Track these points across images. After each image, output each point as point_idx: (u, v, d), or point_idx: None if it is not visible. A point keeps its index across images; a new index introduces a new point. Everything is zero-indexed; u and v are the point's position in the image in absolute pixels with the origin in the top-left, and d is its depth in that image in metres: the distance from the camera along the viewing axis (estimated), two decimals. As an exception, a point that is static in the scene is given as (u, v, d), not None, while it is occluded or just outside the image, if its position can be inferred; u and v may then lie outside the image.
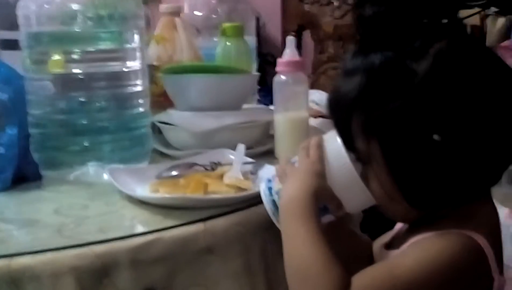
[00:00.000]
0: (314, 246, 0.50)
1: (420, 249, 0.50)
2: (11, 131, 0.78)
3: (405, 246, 0.54)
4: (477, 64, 0.50)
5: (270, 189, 0.60)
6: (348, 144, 0.54)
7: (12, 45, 0.97)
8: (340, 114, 0.53)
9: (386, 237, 0.64)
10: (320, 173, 0.55)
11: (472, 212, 0.52)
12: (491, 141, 0.50)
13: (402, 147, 0.49)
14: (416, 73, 0.48)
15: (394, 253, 0.56)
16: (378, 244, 0.64)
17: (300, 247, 0.51)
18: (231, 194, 0.71)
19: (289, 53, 0.88)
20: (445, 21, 0.51)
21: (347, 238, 0.65)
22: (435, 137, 0.48)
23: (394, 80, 0.49)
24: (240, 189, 0.72)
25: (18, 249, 0.56)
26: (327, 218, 0.58)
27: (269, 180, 0.61)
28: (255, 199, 0.69)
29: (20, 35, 0.82)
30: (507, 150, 0.52)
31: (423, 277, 0.47)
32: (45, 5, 0.78)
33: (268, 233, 0.69)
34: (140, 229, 0.62)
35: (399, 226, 0.63)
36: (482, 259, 0.49)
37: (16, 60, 0.84)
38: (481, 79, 0.50)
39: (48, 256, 0.55)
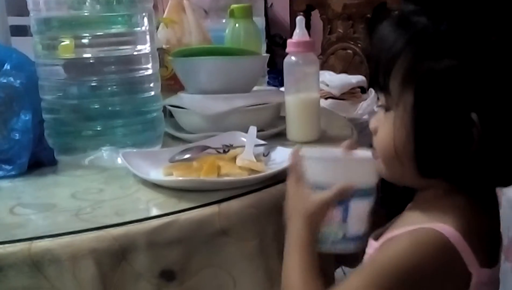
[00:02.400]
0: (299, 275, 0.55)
1: (387, 250, 0.50)
2: (25, 116, 0.78)
3: (379, 242, 0.54)
4: None
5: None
6: (381, 81, 0.51)
7: (23, 31, 0.97)
8: (386, 50, 0.50)
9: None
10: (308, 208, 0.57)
11: (450, 205, 0.51)
12: None
13: (437, 108, 0.47)
14: (487, 43, 0.46)
15: (373, 245, 0.56)
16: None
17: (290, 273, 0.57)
18: (244, 176, 0.71)
19: (299, 33, 0.87)
20: None
21: None
22: (473, 116, 0.46)
23: (460, 38, 0.46)
24: (253, 171, 0.73)
25: (37, 233, 0.56)
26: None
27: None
28: (269, 181, 0.69)
29: (30, 21, 0.82)
30: None
31: (391, 279, 0.47)
32: (54, -10, 0.78)
33: (282, 215, 0.69)
34: (155, 212, 0.62)
35: None
36: (452, 256, 0.48)
37: (27, 46, 0.84)
38: None
39: (67, 239, 0.56)
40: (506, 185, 0.51)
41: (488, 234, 0.51)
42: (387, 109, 0.52)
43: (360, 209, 0.58)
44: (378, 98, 0.55)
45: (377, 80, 0.52)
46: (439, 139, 0.48)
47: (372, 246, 0.56)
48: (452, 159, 0.48)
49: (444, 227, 0.48)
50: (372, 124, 0.55)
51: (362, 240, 0.58)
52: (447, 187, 0.51)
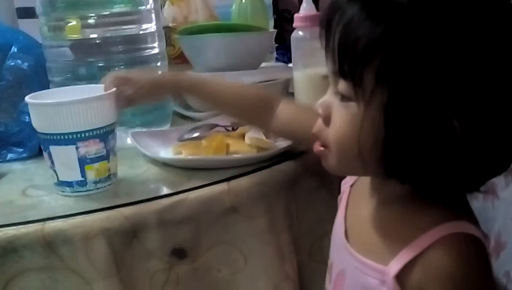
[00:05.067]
0: None
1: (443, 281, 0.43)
2: (34, 99, 0.79)
3: (392, 268, 0.45)
4: None
5: None
6: (349, 69, 0.43)
7: (29, 13, 0.97)
8: (356, 37, 0.42)
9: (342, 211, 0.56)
10: None
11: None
12: (503, 142, 0.43)
13: (414, 112, 0.41)
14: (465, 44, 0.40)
15: (373, 266, 0.47)
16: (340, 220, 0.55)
17: None
18: (253, 153, 0.71)
19: (306, 7, 0.86)
20: None
21: None
22: (455, 123, 0.40)
23: (442, 39, 0.40)
24: (261, 148, 0.73)
25: (50, 214, 0.57)
26: None
27: None
28: (277, 158, 0.69)
29: (36, 2, 0.82)
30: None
31: None
32: (58, -30, 0.78)
33: (292, 191, 0.70)
34: (165, 190, 0.63)
35: (344, 188, 0.57)
36: (484, 249, 0.45)
37: (34, 29, 0.84)
38: None
39: (79, 219, 0.56)
40: (472, 190, 0.47)
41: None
42: (347, 98, 0.44)
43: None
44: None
45: (343, 66, 0.43)
46: (411, 144, 0.42)
47: (375, 269, 0.47)
48: (423, 164, 0.43)
49: (464, 225, 0.44)
50: (324, 110, 0.47)
51: None
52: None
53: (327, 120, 0.47)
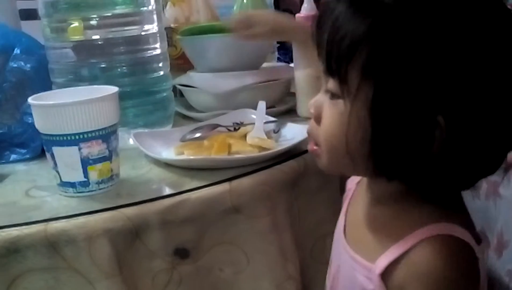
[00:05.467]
0: None
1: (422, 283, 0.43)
2: (37, 100, 0.79)
3: (378, 266, 0.45)
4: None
5: None
6: (336, 67, 0.44)
7: (32, 15, 0.98)
8: (342, 35, 0.42)
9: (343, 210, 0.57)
10: None
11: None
12: (494, 136, 0.43)
13: (399, 107, 0.41)
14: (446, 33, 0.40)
15: (362, 262, 0.48)
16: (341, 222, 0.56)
17: None
18: (255, 153, 0.71)
19: (307, 8, 0.87)
20: None
21: None
22: (440, 119, 0.40)
23: (427, 31, 0.40)
24: (263, 148, 0.73)
25: (53, 215, 0.58)
26: None
27: None
28: (279, 158, 0.70)
29: (38, 4, 0.82)
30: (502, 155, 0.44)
31: None
32: (60, -28, 0.78)
33: (294, 191, 0.70)
34: (168, 191, 0.63)
35: (351, 185, 0.57)
36: (471, 254, 0.44)
37: (37, 30, 0.85)
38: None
39: (82, 220, 0.57)
40: (463, 188, 0.47)
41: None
42: (335, 96, 0.45)
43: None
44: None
45: (330, 64, 0.44)
46: (399, 140, 0.42)
47: (364, 266, 0.48)
48: (411, 161, 0.43)
49: (450, 227, 0.44)
50: (315, 110, 0.47)
51: None
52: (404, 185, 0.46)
53: (318, 119, 0.48)
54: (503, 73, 0.42)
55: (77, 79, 0.82)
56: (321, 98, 0.47)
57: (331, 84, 0.45)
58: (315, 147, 0.49)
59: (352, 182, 0.57)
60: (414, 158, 0.42)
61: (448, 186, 0.45)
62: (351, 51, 0.42)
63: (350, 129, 0.44)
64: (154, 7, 0.84)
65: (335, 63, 0.43)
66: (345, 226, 0.54)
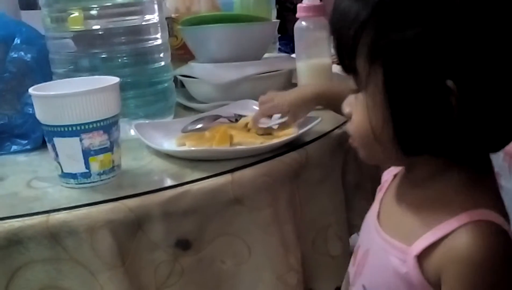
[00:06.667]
0: None
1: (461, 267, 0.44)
2: (37, 91, 0.79)
3: (413, 249, 0.46)
4: None
5: None
6: (347, 61, 0.47)
7: (32, 4, 0.97)
8: (347, 26, 0.45)
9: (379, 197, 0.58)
10: None
11: (479, 184, 0.47)
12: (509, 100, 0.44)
13: (410, 82, 0.43)
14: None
15: (396, 245, 0.49)
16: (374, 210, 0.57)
17: None
18: (257, 144, 0.71)
19: (310, -2, 0.86)
20: None
21: None
22: (449, 83, 0.41)
23: (423, 3, 0.42)
24: (266, 139, 0.73)
25: (54, 206, 0.58)
26: None
27: None
28: (281, 149, 0.69)
29: (38, -6, 0.81)
30: None
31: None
32: (61, -39, 0.78)
33: (295, 182, 0.70)
34: (169, 182, 0.63)
35: (387, 177, 0.58)
36: (509, 240, 0.45)
37: (37, 20, 0.84)
38: None
39: (84, 211, 0.57)
40: (495, 150, 0.48)
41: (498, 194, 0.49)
42: (358, 91, 0.48)
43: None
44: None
45: (343, 61, 0.47)
46: (417, 114, 0.44)
47: (398, 248, 0.48)
48: (434, 132, 0.44)
49: (489, 213, 0.44)
50: (346, 109, 0.51)
51: None
52: (438, 162, 0.48)
53: (350, 116, 0.50)
54: (507, 36, 0.43)
55: (77, 70, 0.81)
56: (350, 97, 0.50)
57: (351, 81, 0.48)
58: (351, 142, 0.51)
59: (389, 173, 0.59)
60: (435, 128, 0.44)
61: (476, 148, 0.46)
62: (356, 39, 0.44)
63: (372, 115, 0.46)
64: (154, -3, 0.84)
65: (347, 58, 0.46)
66: (379, 212, 0.55)
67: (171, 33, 1.04)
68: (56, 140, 0.61)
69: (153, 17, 0.84)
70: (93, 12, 0.79)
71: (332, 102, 0.72)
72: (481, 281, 0.43)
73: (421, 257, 0.46)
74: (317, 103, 0.77)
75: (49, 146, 0.63)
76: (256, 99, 0.82)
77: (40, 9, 0.82)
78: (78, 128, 0.60)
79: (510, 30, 0.43)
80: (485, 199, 0.46)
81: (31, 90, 0.62)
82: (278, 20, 1.08)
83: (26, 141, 0.80)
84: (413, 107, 0.43)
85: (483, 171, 0.49)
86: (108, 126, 0.63)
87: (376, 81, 0.44)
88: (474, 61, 0.42)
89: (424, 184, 0.49)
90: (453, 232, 0.44)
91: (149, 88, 0.85)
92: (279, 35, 1.31)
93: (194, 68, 0.97)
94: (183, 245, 0.61)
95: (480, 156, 0.48)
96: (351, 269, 0.58)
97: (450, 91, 0.42)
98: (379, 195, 0.58)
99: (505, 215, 0.46)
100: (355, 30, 0.44)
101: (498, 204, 0.47)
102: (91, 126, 0.61)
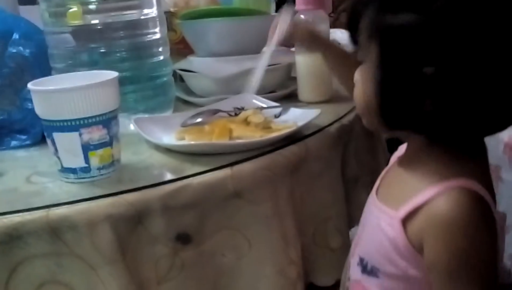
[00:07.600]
0: None
1: (441, 240, 0.46)
2: (36, 86, 0.79)
3: (402, 211, 0.49)
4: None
5: None
6: (353, 34, 0.52)
7: (30, -1, 0.97)
8: (356, 0, 0.51)
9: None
10: None
11: (466, 160, 0.49)
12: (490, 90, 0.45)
13: (395, 62, 0.46)
14: None
15: (386, 211, 0.52)
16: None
17: None
18: (256, 138, 0.71)
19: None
20: None
21: None
22: (428, 70, 0.44)
23: None
24: (266, 131, 0.72)
25: (54, 201, 0.58)
26: None
27: None
28: (281, 142, 0.69)
29: (36, -12, 0.81)
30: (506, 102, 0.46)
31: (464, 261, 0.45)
32: (59, -44, 0.77)
33: (295, 176, 0.70)
34: (169, 176, 0.63)
35: (393, 160, 0.61)
36: (489, 211, 0.47)
37: (35, 15, 0.84)
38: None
39: (84, 206, 0.57)
40: (480, 135, 0.50)
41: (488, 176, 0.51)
42: (361, 63, 0.52)
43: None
44: None
45: (350, 32, 0.52)
46: (398, 92, 0.47)
47: (388, 213, 0.51)
48: (412, 111, 0.47)
49: (471, 183, 0.46)
50: (355, 78, 0.55)
51: None
52: (423, 138, 0.50)
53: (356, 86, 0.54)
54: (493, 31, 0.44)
55: (76, 64, 0.81)
56: (360, 67, 0.54)
57: (358, 54, 0.52)
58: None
59: (395, 156, 0.61)
60: (413, 108, 0.46)
61: (456, 131, 0.48)
62: (360, 14, 0.49)
63: (366, 87, 0.50)
64: (153, -9, 0.83)
65: (351, 28, 0.51)
66: (378, 187, 0.58)
67: (170, 27, 1.04)
68: (56, 135, 0.61)
69: (152, 11, 0.84)
70: (92, 6, 0.79)
71: (337, 60, 0.78)
72: (459, 243, 0.45)
73: (406, 221, 0.48)
74: (327, 47, 0.81)
75: (48, 141, 0.63)
76: (255, 93, 0.82)
77: (38, 4, 0.82)
78: (77, 122, 0.60)
79: (497, 22, 0.44)
80: (468, 170, 0.48)
81: (30, 85, 0.62)
82: (277, 14, 1.07)
83: (25, 136, 0.80)
84: (395, 85, 0.47)
85: (472, 153, 0.50)
86: (108, 120, 0.62)
87: (372, 56, 0.48)
88: (457, 53, 0.44)
89: (414, 157, 0.52)
90: (434, 198, 0.46)
91: (148, 82, 0.84)
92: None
93: (193, 62, 0.97)
94: (184, 239, 0.61)
95: (467, 139, 0.50)
96: (352, 245, 0.60)
97: (428, 78, 0.44)
98: (382, 174, 0.61)
99: (490, 190, 0.48)
100: (361, 5, 0.49)
101: (484, 179, 0.49)
102: (90, 120, 0.61)
